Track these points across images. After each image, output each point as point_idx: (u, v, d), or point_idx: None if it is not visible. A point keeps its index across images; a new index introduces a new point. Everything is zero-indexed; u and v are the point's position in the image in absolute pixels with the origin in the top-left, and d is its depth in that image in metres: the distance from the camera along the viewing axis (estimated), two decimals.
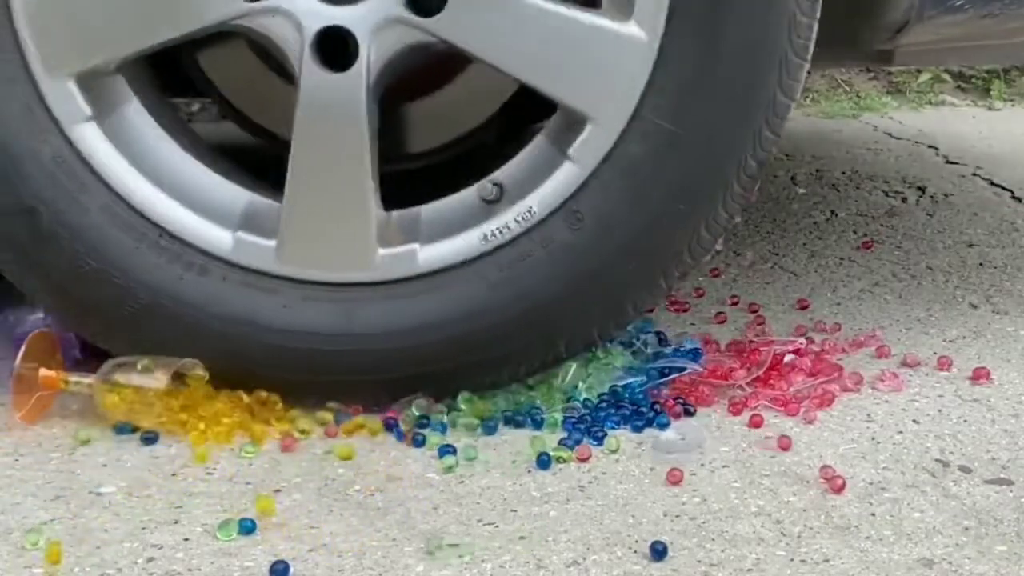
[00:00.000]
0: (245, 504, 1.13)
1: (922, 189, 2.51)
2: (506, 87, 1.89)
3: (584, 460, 1.23)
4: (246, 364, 1.30)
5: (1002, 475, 1.22)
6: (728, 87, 1.25)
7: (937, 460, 1.25)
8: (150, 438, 1.26)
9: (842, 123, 3.43)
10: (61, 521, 1.10)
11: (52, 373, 1.30)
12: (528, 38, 1.25)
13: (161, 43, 1.28)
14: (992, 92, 3.92)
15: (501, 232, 1.29)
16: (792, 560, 1.04)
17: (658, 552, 1.04)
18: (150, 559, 1.03)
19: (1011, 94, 3.94)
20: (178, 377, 1.28)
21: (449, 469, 1.21)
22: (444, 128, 1.97)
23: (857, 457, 1.25)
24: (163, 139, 1.33)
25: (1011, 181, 2.57)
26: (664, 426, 1.30)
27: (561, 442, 1.25)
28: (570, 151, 1.28)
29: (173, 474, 1.20)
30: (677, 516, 1.12)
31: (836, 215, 2.28)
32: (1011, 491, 1.18)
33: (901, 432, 1.31)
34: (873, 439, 1.29)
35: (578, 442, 1.25)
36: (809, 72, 1.30)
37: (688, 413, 1.34)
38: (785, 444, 1.26)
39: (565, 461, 1.23)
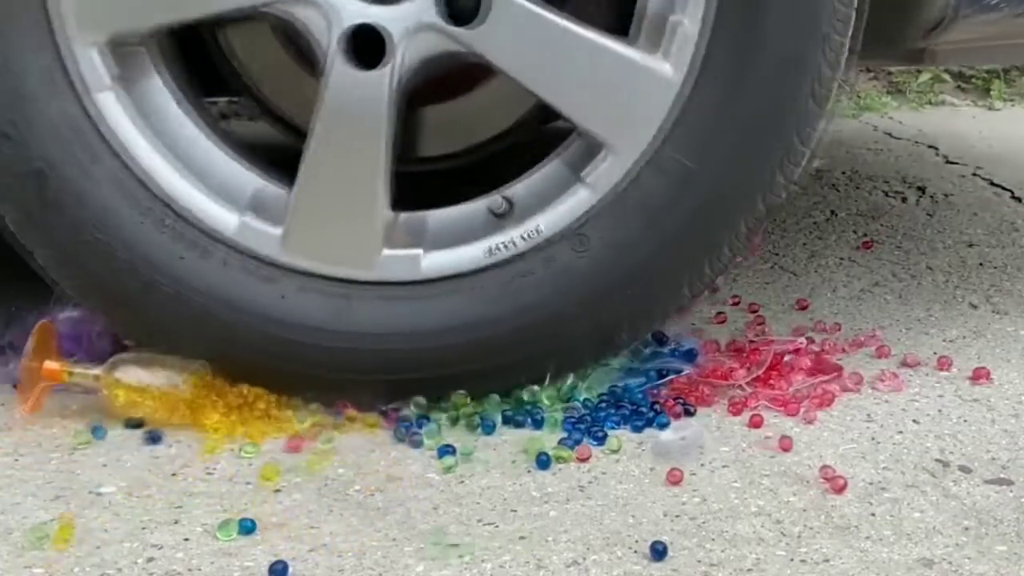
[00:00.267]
0: (245, 504, 1.13)
1: (922, 189, 2.51)
2: (524, 104, 1.91)
3: (584, 460, 1.23)
4: (239, 352, 1.30)
5: (1002, 475, 1.22)
6: (748, 131, 1.26)
7: (937, 460, 1.25)
8: (155, 436, 1.26)
9: (842, 123, 3.43)
10: (61, 521, 1.09)
11: (56, 365, 1.30)
12: (559, 61, 1.26)
13: (192, 19, 1.28)
14: (992, 92, 3.91)
15: (506, 247, 1.29)
16: (792, 560, 1.04)
17: (658, 552, 1.04)
18: (150, 559, 1.03)
19: (1011, 94, 3.94)
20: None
21: (449, 469, 1.21)
22: (458, 136, 1.98)
23: (857, 457, 1.25)
24: (181, 117, 1.32)
25: (1011, 181, 2.57)
26: (664, 426, 1.30)
27: (561, 442, 1.25)
28: (585, 176, 1.29)
29: (173, 474, 1.20)
30: (677, 516, 1.12)
31: (836, 215, 2.28)
32: (1011, 491, 1.18)
33: (901, 432, 1.31)
34: (873, 439, 1.29)
35: (578, 442, 1.25)
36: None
37: (688, 413, 1.34)
38: (786, 444, 1.26)
39: (565, 461, 1.23)
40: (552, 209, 1.29)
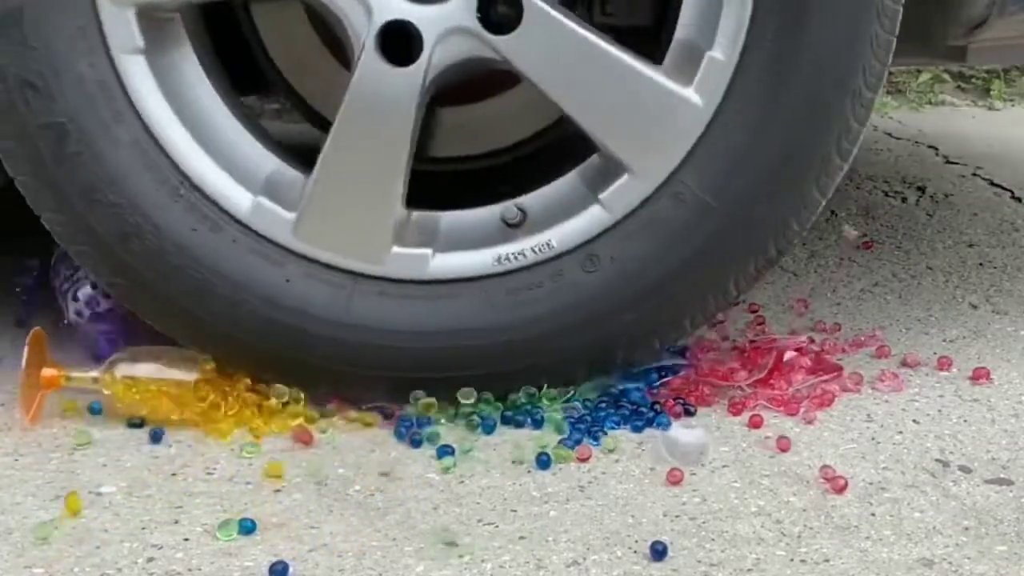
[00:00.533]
0: (245, 504, 1.13)
1: (922, 189, 2.51)
2: (543, 116, 1.93)
3: (584, 460, 1.23)
4: (237, 333, 1.30)
5: (1002, 475, 1.22)
6: (769, 170, 1.26)
7: (937, 460, 1.25)
8: (156, 435, 1.26)
9: None
10: (61, 521, 1.09)
11: (53, 372, 1.30)
12: (589, 78, 1.27)
13: None
14: (992, 92, 3.91)
15: (515, 258, 1.30)
16: (792, 560, 1.04)
17: (658, 552, 1.04)
18: (150, 559, 1.03)
19: (1011, 94, 3.94)
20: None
21: (449, 469, 1.21)
22: (474, 140, 2.00)
23: (857, 457, 1.25)
24: (206, 90, 1.33)
25: (1011, 181, 2.57)
26: (664, 426, 1.30)
27: (561, 442, 1.25)
28: (601, 196, 1.29)
29: (173, 474, 1.20)
30: (677, 516, 1.12)
31: (836, 215, 2.28)
32: (1011, 491, 1.18)
33: (901, 432, 1.31)
34: (873, 439, 1.29)
35: (578, 442, 1.25)
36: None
37: (688, 413, 1.34)
38: (785, 445, 1.26)
39: (565, 461, 1.23)
40: (565, 224, 1.30)
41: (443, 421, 1.31)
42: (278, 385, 1.31)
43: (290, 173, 1.33)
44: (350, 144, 1.29)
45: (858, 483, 1.19)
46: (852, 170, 2.68)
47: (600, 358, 1.34)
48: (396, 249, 1.30)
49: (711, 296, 1.32)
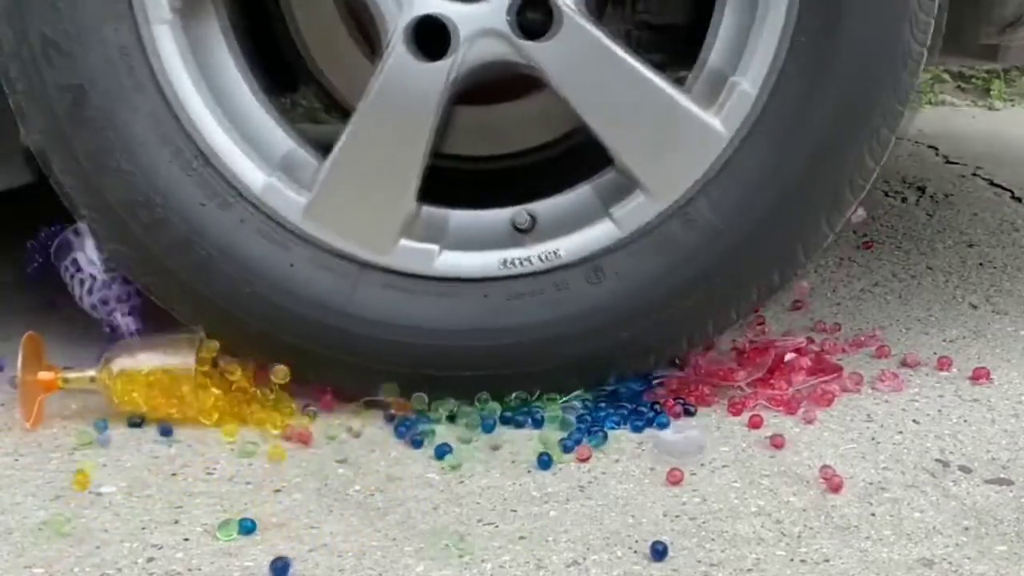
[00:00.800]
0: (245, 504, 1.13)
1: (922, 189, 2.51)
2: (555, 127, 1.95)
3: (584, 460, 1.23)
4: (237, 312, 1.30)
5: (1002, 475, 1.22)
6: (780, 203, 1.27)
7: (937, 460, 1.25)
8: (166, 429, 1.27)
9: None
10: (61, 521, 1.09)
11: (50, 375, 1.30)
12: (615, 93, 1.27)
13: None
14: (992, 92, 3.91)
15: (521, 263, 1.30)
16: (792, 560, 1.04)
17: (658, 552, 1.04)
18: (150, 559, 1.03)
19: (1011, 94, 3.94)
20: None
21: (449, 469, 1.21)
22: (489, 142, 2.01)
23: (857, 457, 1.25)
24: (230, 65, 1.33)
25: (1011, 181, 2.57)
26: (664, 426, 1.30)
27: (561, 442, 1.25)
28: (613, 211, 1.29)
29: (173, 474, 1.20)
30: (677, 516, 1.12)
31: None
32: (1011, 491, 1.18)
33: (901, 432, 1.31)
34: (873, 439, 1.29)
35: (578, 442, 1.25)
36: None
37: (688, 413, 1.34)
38: (785, 444, 1.26)
39: (565, 461, 1.23)
40: (574, 235, 1.30)
41: (443, 421, 1.30)
42: (273, 376, 1.31)
43: (305, 156, 1.33)
44: (370, 132, 1.29)
45: (858, 483, 1.19)
46: None
47: (594, 371, 1.34)
48: (404, 242, 1.30)
49: (711, 319, 1.33)
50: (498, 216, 1.35)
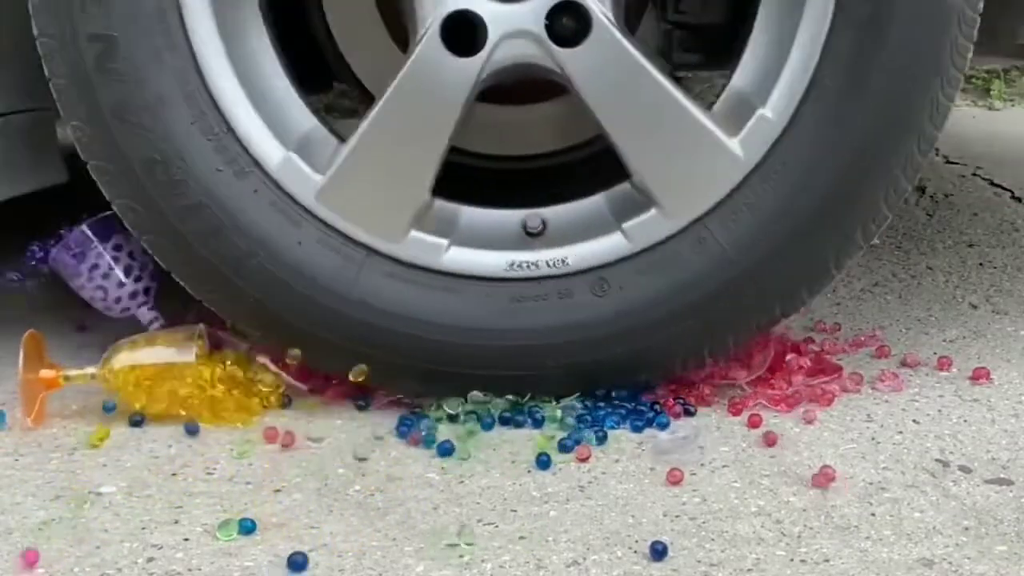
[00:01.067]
0: (245, 504, 1.13)
1: (922, 189, 2.51)
2: (574, 135, 1.96)
3: (584, 460, 1.23)
4: (241, 283, 1.30)
5: (1002, 475, 1.21)
6: (790, 238, 1.27)
7: (937, 460, 1.25)
8: (192, 428, 1.28)
9: None
10: (61, 521, 1.10)
11: (51, 373, 1.30)
12: (640, 108, 1.27)
13: None
14: (992, 92, 3.92)
15: (528, 267, 1.30)
16: (792, 560, 1.04)
17: (658, 552, 1.04)
18: (150, 559, 1.03)
19: (1011, 94, 3.94)
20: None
21: (449, 469, 1.21)
22: (504, 142, 2.02)
23: (857, 457, 1.25)
24: (262, 42, 1.32)
25: (1011, 181, 2.57)
26: (664, 426, 1.30)
27: (561, 442, 1.25)
28: (625, 224, 1.29)
29: (173, 474, 1.20)
30: (677, 516, 1.12)
31: None
32: (1011, 491, 1.18)
33: (901, 432, 1.31)
34: (873, 439, 1.29)
35: (578, 442, 1.25)
36: None
37: (688, 413, 1.34)
38: (784, 444, 1.26)
39: (565, 461, 1.23)
40: (584, 245, 1.30)
41: (443, 421, 1.31)
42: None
43: (325, 136, 1.33)
44: (393, 121, 1.29)
45: (858, 483, 1.19)
46: None
47: (585, 381, 1.34)
48: (414, 233, 1.30)
49: (707, 344, 1.32)
50: (509, 217, 1.34)
